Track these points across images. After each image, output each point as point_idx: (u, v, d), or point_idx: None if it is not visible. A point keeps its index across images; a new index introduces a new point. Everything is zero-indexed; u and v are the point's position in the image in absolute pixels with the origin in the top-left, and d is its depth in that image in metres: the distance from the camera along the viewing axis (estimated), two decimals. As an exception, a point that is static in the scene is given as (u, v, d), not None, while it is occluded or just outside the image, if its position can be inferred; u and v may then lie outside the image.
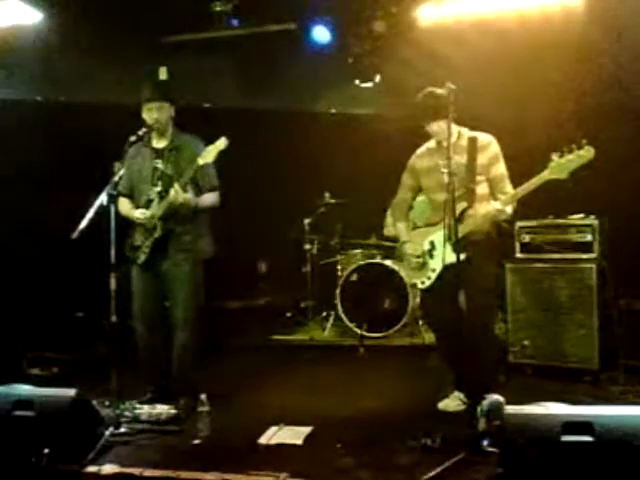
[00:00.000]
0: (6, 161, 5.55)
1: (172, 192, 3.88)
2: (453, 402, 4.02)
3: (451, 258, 3.68)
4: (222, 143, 3.91)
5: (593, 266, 4.48)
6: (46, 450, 3.03)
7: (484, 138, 3.97)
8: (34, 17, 5.52)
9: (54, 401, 3.21)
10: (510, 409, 2.83)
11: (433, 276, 3.96)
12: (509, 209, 3.81)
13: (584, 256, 4.55)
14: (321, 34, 6.03)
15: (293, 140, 6.83)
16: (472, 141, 3.93)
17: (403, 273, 6.10)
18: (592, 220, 4.61)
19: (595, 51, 5.09)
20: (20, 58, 5.67)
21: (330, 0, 5.84)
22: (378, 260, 6.30)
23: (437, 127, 3.89)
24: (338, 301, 6.22)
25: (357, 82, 6.39)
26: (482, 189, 3.91)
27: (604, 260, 4.55)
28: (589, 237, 4.58)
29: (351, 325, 6.08)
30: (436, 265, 3.92)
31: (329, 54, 6.17)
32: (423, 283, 4.02)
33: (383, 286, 6.12)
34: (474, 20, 5.49)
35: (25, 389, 3.35)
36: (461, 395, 4.02)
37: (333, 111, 7.34)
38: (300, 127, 6.88)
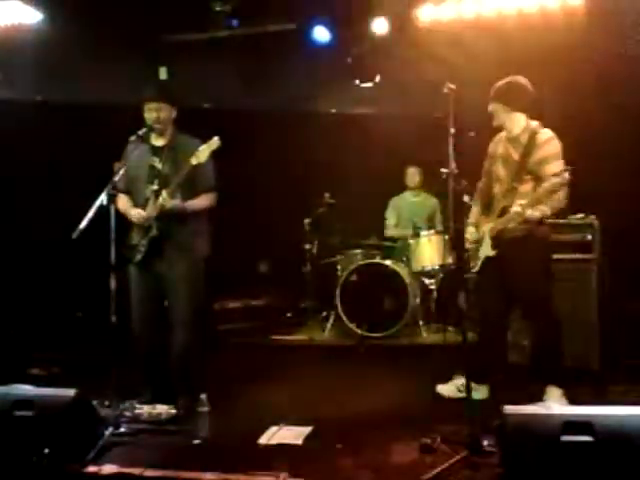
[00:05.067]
0: (6, 161, 5.56)
1: (160, 199, 3.91)
2: (449, 388, 4.19)
3: (487, 252, 3.96)
4: (214, 143, 3.93)
5: (593, 266, 4.49)
6: (46, 450, 3.03)
7: (544, 135, 3.90)
8: (34, 17, 5.52)
9: (54, 401, 3.20)
10: (510, 409, 2.83)
11: (479, 263, 4.08)
12: (531, 212, 3.74)
13: (584, 256, 4.55)
14: (321, 34, 6.03)
15: (293, 140, 6.84)
16: (531, 137, 3.89)
17: (403, 273, 6.11)
18: (592, 220, 4.61)
19: (596, 51, 5.09)
20: (20, 58, 5.67)
21: (330, 0, 5.84)
22: (378, 260, 6.30)
23: (508, 118, 3.93)
24: (338, 301, 6.22)
25: (357, 82, 6.39)
26: (527, 187, 3.85)
27: (604, 260, 4.55)
28: (589, 237, 4.58)
29: (351, 325, 6.07)
30: (482, 254, 4.05)
31: (329, 54, 6.17)
32: (473, 267, 4.15)
33: (383, 286, 6.12)
34: (474, 20, 5.49)
35: (25, 389, 3.35)
36: (460, 383, 4.11)
37: (333, 111, 7.34)
38: (300, 127, 6.88)
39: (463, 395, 4.01)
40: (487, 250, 3.98)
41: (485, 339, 4.09)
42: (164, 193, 3.90)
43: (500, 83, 3.97)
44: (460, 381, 4.14)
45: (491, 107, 3.98)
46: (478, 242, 4.09)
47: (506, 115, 3.95)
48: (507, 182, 3.92)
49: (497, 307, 4.03)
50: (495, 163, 4.06)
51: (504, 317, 4.11)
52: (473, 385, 3.92)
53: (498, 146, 4.08)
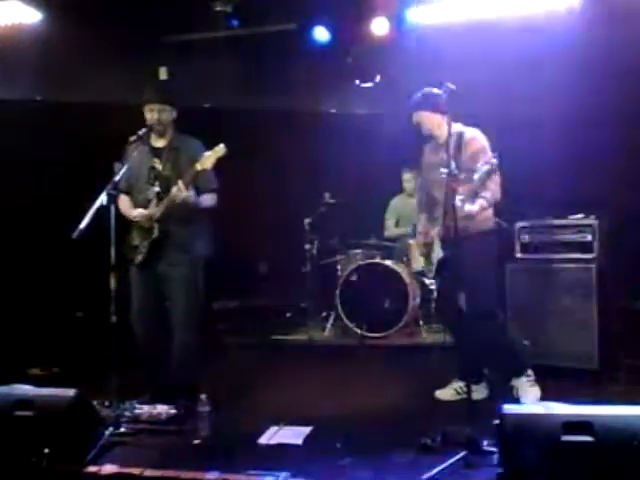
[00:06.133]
0: (6, 161, 5.55)
1: (174, 189, 3.88)
2: (447, 391, 4.22)
3: (438, 254, 4.09)
4: (220, 150, 3.87)
5: (593, 266, 4.49)
6: (46, 450, 3.03)
7: (469, 133, 4.03)
8: (34, 17, 5.52)
9: (54, 401, 3.20)
10: (510, 409, 2.83)
11: (433, 269, 4.21)
12: (468, 206, 3.74)
13: (584, 256, 4.55)
14: (321, 34, 6.04)
15: (293, 140, 6.83)
16: (458, 138, 4.00)
17: (403, 273, 6.11)
18: (592, 220, 4.60)
19: (596, 53, 5.09)
20: (20, 58, 5.67)
21: (330, 0, 5.84)
22: (378, 260, 6.30)
23: (429, 123, 4.05)
24: (338, 301, 6.22)
25: (357, 82, 6.39)
26: (465, 188, 3.84)
27: (604, 260, 4.55)
28: (589, 237, 4.57)
29: (351, 325, 6.08)
30: (434, 258, 4.18)
31: (329, 54, 6.17)
32: (429, 273, 4.28)
33: (383, 286, 6.12)
34: (474, 20, 5.49)
35: (25, 389, 3.34)
36: (458, 386, 4.15)
37: (333, 111, 7.33)
38: (300, 127, 6.87)
39: (462, 397, 4.03)
40: (438, 253, 4.12)
41: (461, 341, 4.08)
42: (180, 183, 3.86)
43: (415, 95, 4.12)
44: (458, 384, 4.16)
45: (415, 118, 4.11)
46: (428, 247, 4.23)
47: (432, 122, 4.06)
48: (448, 183, 3.89)
49: (453, 310, 3.91)
50: (432, 171, 4.13)
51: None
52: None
53: (431, 155, 4.19)
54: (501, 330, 4.07)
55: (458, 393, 4.15)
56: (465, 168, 3.89)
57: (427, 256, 4.26)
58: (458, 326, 4.02)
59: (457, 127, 4.07)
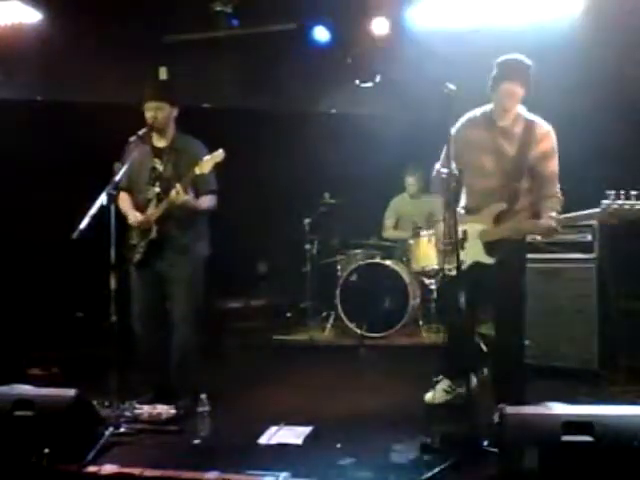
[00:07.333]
0: (6, 161, 5.55)
1: (173, 192, 3.88)
2: (437, 393, 4.06)
3: (479, 257, 3.59)
4: (219, 155, 3.91)
5: (593, 266, 4.49)
6: (46, 450, 3.03)
7: (543, 127, 3.58)
8: (34, 17, 5.52)
9: (54, 401, 3.20)
10: (510, 409, 2.83)
11: (462, 267, 3.43)
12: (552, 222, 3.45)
13: (584, 256, 4.55)
14: (321, 34, 6.04)
15: (293, 140, 6.83)
16: (528, 129, 3.53)
17: (403, 273, 6.11)
18: (592, 220, 4.60)
19: (596, 54, 5.09)
20: (20, 58, 5.67)
21: (330, 0, 5.84)
22: (378, 260, 6.30)
23: (517, 98, 3.44)
24: (338, 301, 6.23)
25: (357, 82, 6.39)
26: (525, 185, 3.60)
27: (604, 260, 4.55)
28: (589, 237, 4.58)
29: (351, 325, 6.08)
30: (465, 258, 3.55)
31: (329, 54, 6.17)
32: (450, 271, 3.49)
33: (383, 286, 6.12)
34: (476, 22, 5.49)
35: (25, 389, 3.35)
36: (446, 385, 4.07)
37: (333, 111, 7.33)
38: (300, 127, 6.87)
39: (453, 395, 4.00)
40: (478, 255, 3.60)
41: (456, 344, 3.86)
42: (178, 186, 3.87)
43: (512, 59, 3.54)
44: (446, 383, 4.09)
45: (515, 87, 3.51)
46: (452, 243, 3.40)
47: (519, 98, 3.50)
48: (503, 179, 3.60)
49: (469, 311, 3.65)
50: (474, 152, 3.62)
51: (474, 321, 4.03)
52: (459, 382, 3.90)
53: (473, 132, 3.67)
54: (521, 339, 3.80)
55: (448, 392, 4.07)
56: (528, 166, 3.53)
57: (450, 253, 3.43)
58: (459, 326, 3.80)
59: (523, 111, 3.58)
